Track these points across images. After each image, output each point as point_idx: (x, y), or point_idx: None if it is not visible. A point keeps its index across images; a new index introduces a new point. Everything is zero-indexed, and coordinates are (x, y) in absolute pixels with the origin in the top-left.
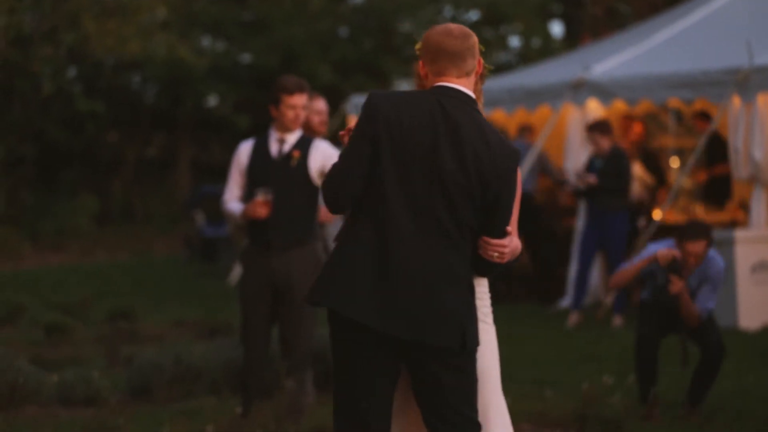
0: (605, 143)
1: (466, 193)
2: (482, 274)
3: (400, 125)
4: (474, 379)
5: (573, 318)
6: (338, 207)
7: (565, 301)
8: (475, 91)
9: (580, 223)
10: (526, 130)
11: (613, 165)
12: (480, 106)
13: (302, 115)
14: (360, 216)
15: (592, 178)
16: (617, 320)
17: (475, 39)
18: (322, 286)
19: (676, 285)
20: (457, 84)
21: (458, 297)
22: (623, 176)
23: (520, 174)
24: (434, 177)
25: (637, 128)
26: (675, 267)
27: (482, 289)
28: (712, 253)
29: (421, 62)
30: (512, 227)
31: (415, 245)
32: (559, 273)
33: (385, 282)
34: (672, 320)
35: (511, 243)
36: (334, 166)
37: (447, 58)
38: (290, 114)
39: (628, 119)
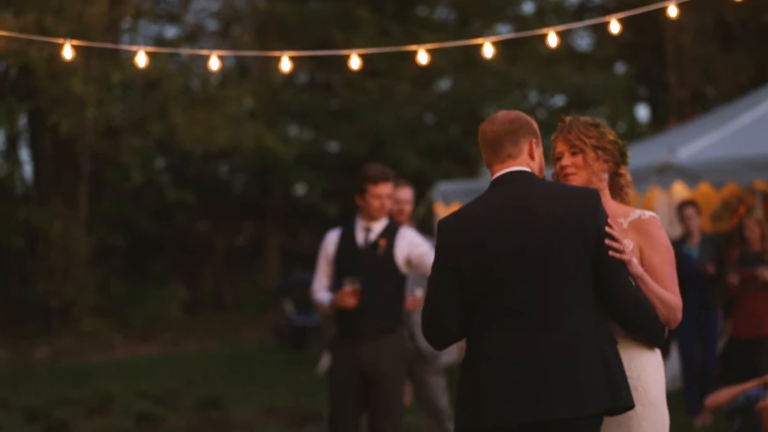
0: (698, 224)
1: (566, 254)
2: (624, 326)
3: (472, 235)
4: None
5: (699, 420)
6: (441, 343)
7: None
8: (589, 170)
9: None
10: None
11: (712, 252)
12: (601, 185)
13: (388, 204)
14: (472, 336)
15: (710, 267)
16: (699, 420)
17: (520, 123)
18: (465, 411)
19: (766, 403)
20: (504, 169)
21: (591, 364)
22: (723, 265)
23: (662, 237)
24: (529, 256)
25: (741, 211)
26: None
27: (646, 366)
28: None
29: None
30: (667, 286)
31: (544, 332)
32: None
33: (532, 379)
34: None
35: (629, 253)
36: (425, 300)
37: (486, 146)
38: (376, 203)
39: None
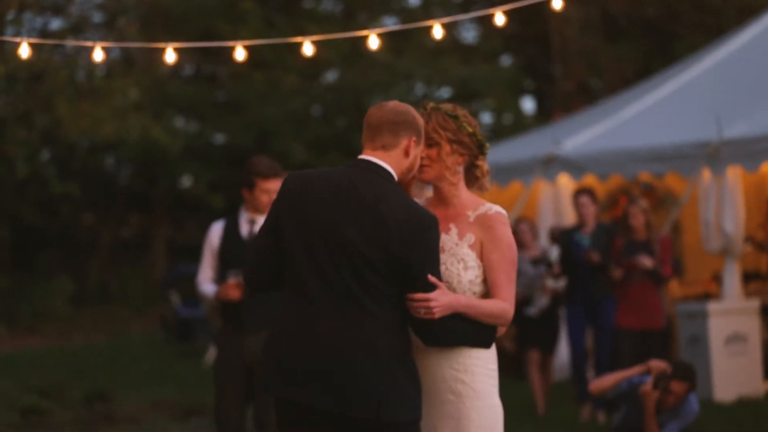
0: (592, 212)
1: (368, 262)
2: (425, 340)
3: (304, 200)
4: None
5: (585, 412)
6: (253, 284)
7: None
8: (442, 164)
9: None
10: None
11: (605, 241)
12: (455, 178)
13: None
14: (286, 297)
15: (595, 255)
16: (585, 412)
17: (406, 116)
18: (267, 374)
19: (648, 387)
20: (373, 156)
21: (376, 367)
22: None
23: (505, 234)
24: (337, 248)
25: (623, 203)
26: (662, 378)
27: (475, 361)
28: (692, 395)
29: None
30: (504, 294)
31: (330, 318)
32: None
33: (309, 359)
34: None
35: (441, 297)
36: (249, 244)
37: (366, 130)
38: (264, 198)
39: (615, 194)
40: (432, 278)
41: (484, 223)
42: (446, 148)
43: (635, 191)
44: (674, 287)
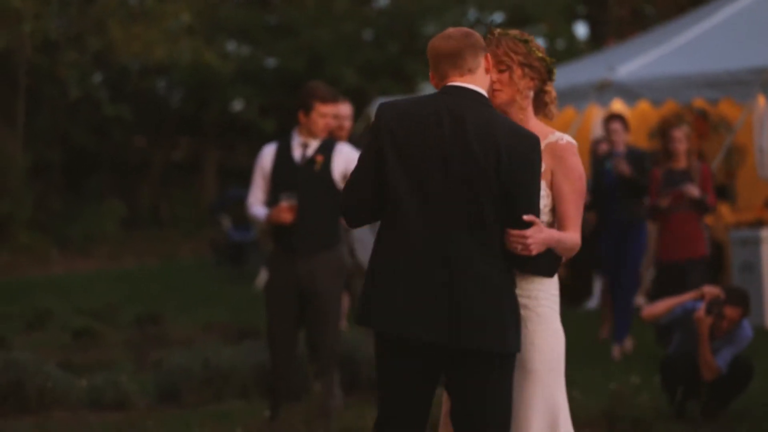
0: (624, 139)
1: (479, 189)
2: (521, 269)
3: (404, 130)
4: (504, 389)
5: (617, 351)
6: (353, 219)
7: (592, 302)
8: (514, 88)
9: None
10: None
11: (636, 165)
12: (525, 103)
13: (332, 123)
14: (383, 231)
15: (624, 166)
16: (617, 351)
17: (476, 37)
18: (364, 307)
19: (702, 313)
20: (461, 82)
21: (485, 298)
22: (647, 179)
23: (577, 166)
24: (444, 174)
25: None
26: (715, 303)
27: (538, 286)
28: (745, 321)
29: (431, 73)
30: (574, 225)
31: (438, 251)
32: (586, 273)
33: (414, 293)
34: (692, 377)
35: (537, 234)
36: (347, 180)
37: (445, 60)
38: (321, 123)
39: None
40: (529, 217)
41: (555, 152)
42: (518, 71)
43: (689, 117)
44: (726, 213)
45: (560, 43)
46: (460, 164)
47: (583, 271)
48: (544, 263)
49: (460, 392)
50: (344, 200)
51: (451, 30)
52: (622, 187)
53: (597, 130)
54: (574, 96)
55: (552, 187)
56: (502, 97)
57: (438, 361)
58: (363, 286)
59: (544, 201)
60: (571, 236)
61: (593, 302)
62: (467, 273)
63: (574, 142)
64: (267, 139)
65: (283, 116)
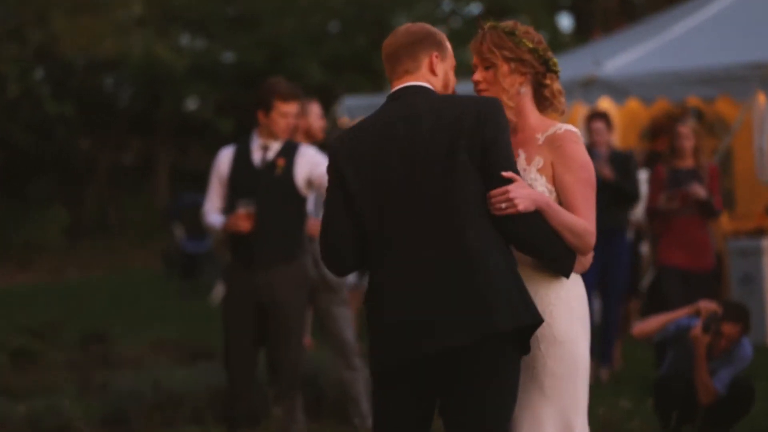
0: (607, 139)
1: (453, 162)
2: (520, 248)
3: (360, 162)
4: (509, 388)
5: (604, 373)
6: (337, 266)
7: None
8: (498, 86)
9: None
10: None
11: (620, 169)
12: (517, 101)
13: (293, 123)
14: (372, 272)
15: (607, 170)
16: (604, 373)
17: (424, 35)
18: (372, 350)
19: (698, 330)
20: (401, 84)
21: (491, 278)
22: (633, 184)
23: (577, 153)
24: (415, 178)
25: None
26: (713, 320)
27: (551, 296)
28: (745, 339)
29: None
30: (582, 216)
31: (429, 258)
32: None
33: (426, 305)
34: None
35: (519, 189)
36: (321, 222)
37: (386, 61)
38: (282, 122)
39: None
40: (508, 173)
41: (553, 143)
42: (503, 68)
43: (683, 118)
44: (725, 221)
45: (543, 37)
46: (427, 156)
47: None
48: (554, 251)
49: (460, 404)
50: (323, 250)
51: (402, 26)
52: (603, 193)
53: (583, 130)
54: None
55: (555, 181)
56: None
57: (436, 383)
58: (370, 326)
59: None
60: (576, 217)
61: None
62: (473, 265)
63: (574, 129)
64: (224, 140)
65: (242, 115)
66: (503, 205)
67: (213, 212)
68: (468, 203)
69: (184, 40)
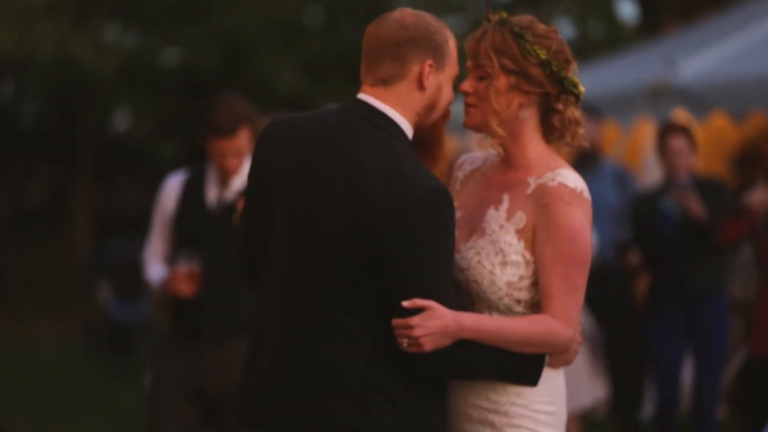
0: (690, 163)
1: (339, 246)
2: (423, 373)
3: (270, 161)
4: None
5: None
6: (246, 279)
7: (644, 414)
8: (489, 105)
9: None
10: None
11: (710, 204)
12: (511, 128)
13: (235, 165)
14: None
15: (698, 206)
16: None
17: (422, 31)
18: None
19: None
20: (370, 96)
21: (348, 406)
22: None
23: (565, 218)
24: (300, 231)
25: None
26: None
27: (513, 398)
28: None
29: None
30: (556, 307)
31: (295, 336)
32: (636, 371)
33: (276, 393)
34: None
35: (427, 322)
36: None
37: (364, 56)
38: (216, 162)
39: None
40: (410, 302)
41: (540, 199)
42: (500, 81)
43: None
44: None
45: (596, 28)
46: (316, 215)
47: (629, 368)
48: (506, 370)
49: None
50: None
51: (396, 13)
52: (689, 237)
53: (650, 154)
54: (617, 105)
55: (534, 249)
56: (474, 119)
57: None
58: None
59: (519, 270)
60: (531, 323)
61: (646, 414)
62: (327, 375)
63: (571, 182)
64: (165, 169)
65: (188, 137)
66: (404, 342)
67: (156, 261)
68: (346, 298)
69: (111, 33)
